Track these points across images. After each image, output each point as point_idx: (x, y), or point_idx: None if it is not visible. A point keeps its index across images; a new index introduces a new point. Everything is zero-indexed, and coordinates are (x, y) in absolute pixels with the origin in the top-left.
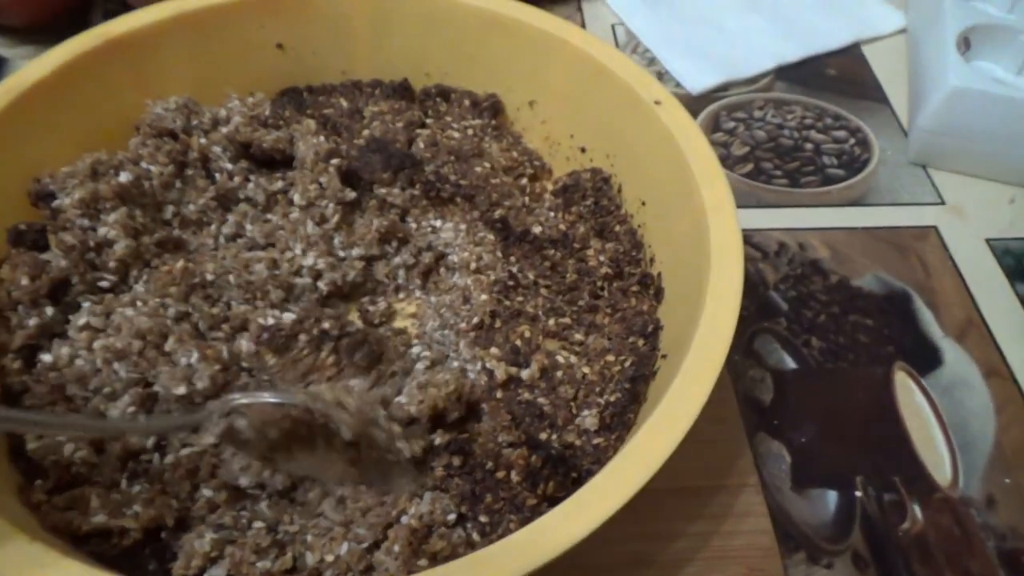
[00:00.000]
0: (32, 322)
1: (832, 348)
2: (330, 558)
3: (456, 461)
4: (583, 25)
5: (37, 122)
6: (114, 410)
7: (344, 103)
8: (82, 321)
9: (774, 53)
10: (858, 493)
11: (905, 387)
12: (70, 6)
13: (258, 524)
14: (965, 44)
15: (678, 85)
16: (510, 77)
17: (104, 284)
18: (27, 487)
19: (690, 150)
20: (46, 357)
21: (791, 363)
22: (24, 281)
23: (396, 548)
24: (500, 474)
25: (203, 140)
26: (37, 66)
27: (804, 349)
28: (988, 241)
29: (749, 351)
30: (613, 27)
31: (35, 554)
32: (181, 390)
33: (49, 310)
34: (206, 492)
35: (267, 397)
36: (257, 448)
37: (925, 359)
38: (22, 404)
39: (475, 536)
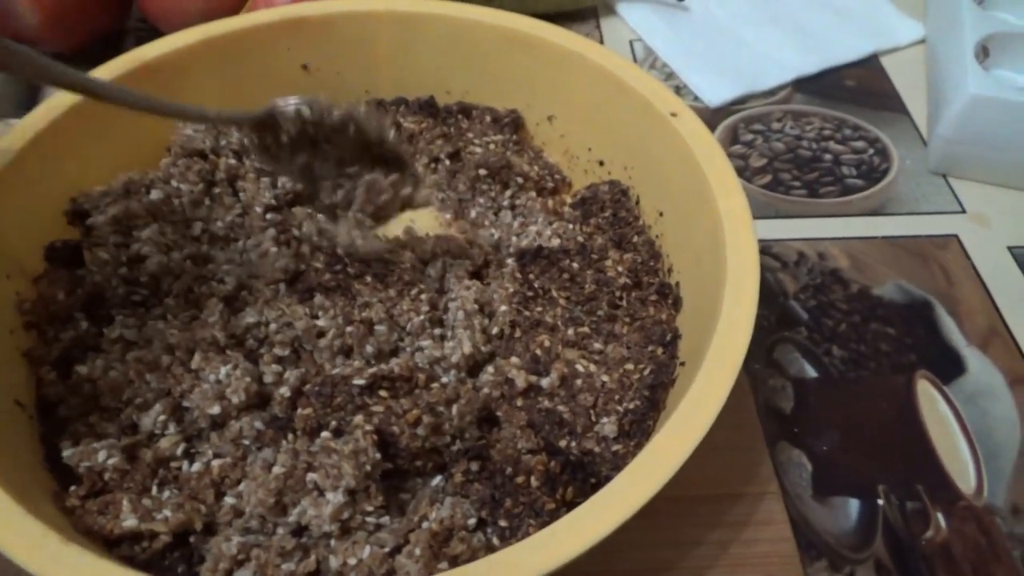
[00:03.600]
0: (67, 335)
1: (853, 357)
2: (352, 561)
3: (475, 467)
4: (601, 42)
5: (73, 144)
6: (146, 419)
7: None
8: (115, 334)
9: (792, 66)
10: (880, 501)
11: (928, 395)
12: (104, 34)
13: (283, 529)
14: (984, 53)
15: (696, 99)
16: (530, 93)
17: (136, 298)
18: (61, 493)
19: (706, 160)
20: (81, 369)
21: (812, 372)
22: (60, 296)
23: (417, 551)
24: (519, 479)
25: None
26: None
27: (825, 358)
28: (1011, 249)
29: (769, 360)
30: (631, 43)
31: (68, 555)
32: (215, 409)
33: (84, 324)
34: (229, 500)
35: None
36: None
37: (948, 368)
38: (58, 414)
39: (495, 540)
